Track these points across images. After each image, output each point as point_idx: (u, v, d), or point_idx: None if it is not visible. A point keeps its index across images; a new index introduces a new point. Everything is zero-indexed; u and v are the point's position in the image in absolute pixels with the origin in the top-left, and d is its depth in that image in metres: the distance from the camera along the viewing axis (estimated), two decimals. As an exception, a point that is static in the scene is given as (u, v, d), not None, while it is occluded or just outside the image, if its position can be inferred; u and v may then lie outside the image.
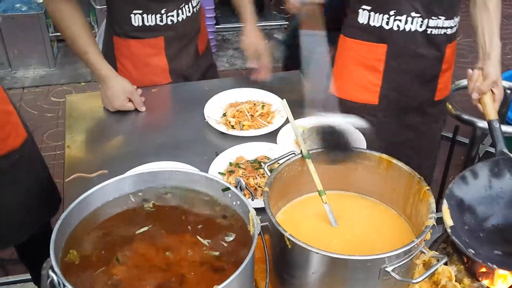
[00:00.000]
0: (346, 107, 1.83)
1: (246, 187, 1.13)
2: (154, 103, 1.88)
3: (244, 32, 1.95)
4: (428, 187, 1.17)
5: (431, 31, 1.67)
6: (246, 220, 1.09)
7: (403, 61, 1.73)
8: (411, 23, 1.65)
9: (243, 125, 1.73)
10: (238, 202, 1.10)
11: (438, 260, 1.05)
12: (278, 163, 1.26)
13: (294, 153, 1.29)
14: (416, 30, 1.67)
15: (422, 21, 1.65)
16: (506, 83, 2.36)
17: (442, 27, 1.67)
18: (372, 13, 1.67)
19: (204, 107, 1.82)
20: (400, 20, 1.65)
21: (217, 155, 1.63)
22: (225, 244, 1.07)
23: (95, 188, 1.08)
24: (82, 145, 1.71)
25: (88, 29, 1.74)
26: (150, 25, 1.81)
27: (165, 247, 1.07)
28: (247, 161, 1.57)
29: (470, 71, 1.55)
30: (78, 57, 1.78)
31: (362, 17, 1.69)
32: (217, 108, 1.83)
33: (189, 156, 1.64)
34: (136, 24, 1.80)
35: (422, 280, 1.03)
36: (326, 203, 1.26)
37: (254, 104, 1.80)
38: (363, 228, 1.27)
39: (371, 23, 1.69)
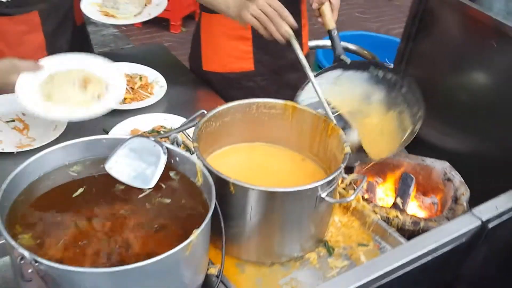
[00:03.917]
0: (225, 79, 1.89)
1: (182, 143, 1.13)
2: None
3: None
4: (335, 122, 1.31)
5: None
6: (188, 174, 1.10)
7: None
8: None
9: (125, 99, 1.68)
10: (177, 159, 1.10)
11: (361, 180, 1.21)
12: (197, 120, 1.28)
13: (204, 112, 1.32)
14: None
15: None
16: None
17: None
18: None
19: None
20: None
21: (106, 132, 1.57)
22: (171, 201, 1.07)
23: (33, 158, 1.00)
24: None
25: None
26: None
27: (105, 215, 1.04)
28: (145, 132, 1.55)
29: None
30: None
31: None
32: (90, 86, 1.74)
33: (70, 138, 1.54)
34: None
35: (355, 197, 1.17)
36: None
37: (131, 77, 1.76)
38: (278, 173, 1.36)
39: None
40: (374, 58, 2.57)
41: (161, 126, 1.58)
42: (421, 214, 1.68)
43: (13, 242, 0.83)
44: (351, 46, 2.62)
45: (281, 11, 1.45)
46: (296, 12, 1.86)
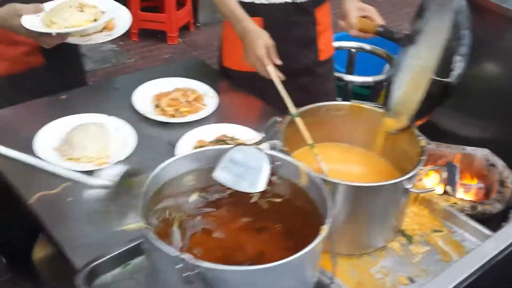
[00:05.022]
0: (241, 77, 1.98)
1: (281, 148, 1.22)
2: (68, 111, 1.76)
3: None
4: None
5: None
6: (290, 176, 1.18)
7: (280, 30, 1.89)
8: None
9: (183, 112, 1.75)
10: (278, 163, 1.19)
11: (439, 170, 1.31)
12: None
13: (276, 119, 1.41)
14: (285, 2, 1.88)
15: None
16: (352, 44, 2.79)
17: None
18: None
19: (130, 103, 1.79)
20: None
21: (172, 145, 1.63)
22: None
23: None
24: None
25: None
26: None
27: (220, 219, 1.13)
28: (210, 142, 1.62)
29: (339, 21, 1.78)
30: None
31: None
32: (144, 102, 1.81)
33: (141, 154, 1.61)
34: None
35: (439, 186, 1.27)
36: (317, 155, 1.41)
37: (184, 91, 1.83)
38: (354, 170, 1.45)
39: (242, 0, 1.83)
40: (389, 57, 2.69)
41: (224, 135, 1.65)
42: (469, 199, 1.79)
43: (171, 249, 0.91)
44: (366, 46, 2.74)
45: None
46: (310, 20, 1.96)
